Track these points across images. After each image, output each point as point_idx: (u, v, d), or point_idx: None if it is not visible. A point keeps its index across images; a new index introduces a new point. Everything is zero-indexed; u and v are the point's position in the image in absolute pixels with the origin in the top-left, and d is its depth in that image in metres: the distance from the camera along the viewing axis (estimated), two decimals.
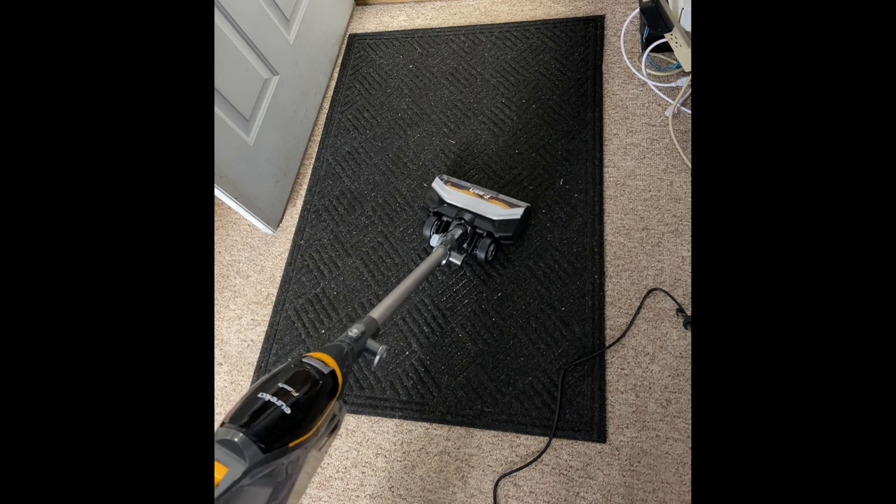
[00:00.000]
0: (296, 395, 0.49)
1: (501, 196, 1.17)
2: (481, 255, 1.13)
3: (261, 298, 1.28)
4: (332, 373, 0.54)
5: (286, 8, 1.33)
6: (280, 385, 0.50)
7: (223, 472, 0.43)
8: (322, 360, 0.55)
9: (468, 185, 1.20)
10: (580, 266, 1.13)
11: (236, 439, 0.44)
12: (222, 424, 0.46)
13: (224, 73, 1.12)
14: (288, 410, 0.48)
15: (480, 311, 1.14)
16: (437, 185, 1.21)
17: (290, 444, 0.47)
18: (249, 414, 0.47)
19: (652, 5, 1.06)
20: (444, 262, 1.07)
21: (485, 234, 1.14)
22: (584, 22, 1.41)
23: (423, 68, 1.47)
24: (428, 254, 1.20)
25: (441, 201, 1.18)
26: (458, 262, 1.11)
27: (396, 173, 1.34)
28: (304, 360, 0.55)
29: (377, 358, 0.68)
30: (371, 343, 0.69)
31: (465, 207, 1.15)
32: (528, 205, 1.17)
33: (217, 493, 0.42)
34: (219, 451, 0.44)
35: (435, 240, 1.15)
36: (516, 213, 1.13)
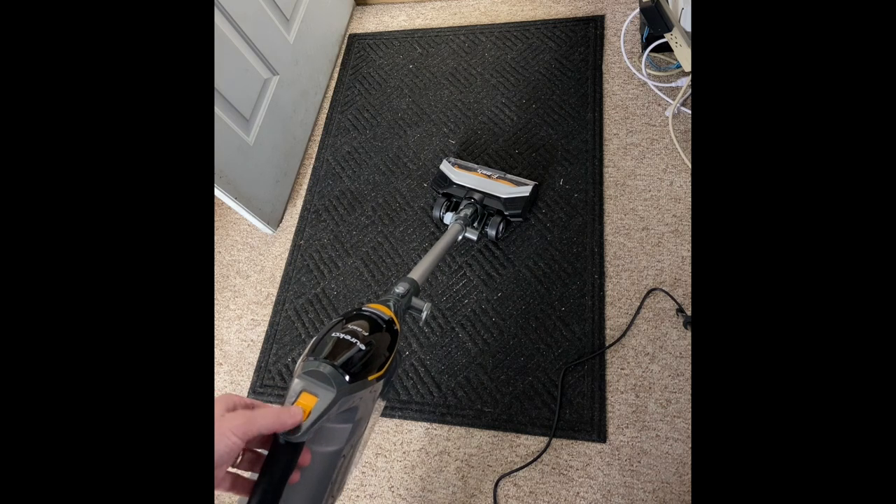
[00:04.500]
0: (366, 334, 0.51)
1: (509, 176, 1.19)
2: (492, 233, 1.14)
3: (261, 298, 1.28)
4: (391, 320, 0.57)
5: (286, 8, 1.33)
6: (350, 326, 0.52)
7: (313, 401, 0.44)
8: (380, 310, 0.57)
9: (475, 166, 1.22)
10: (580, 266, 1.13)
11: (322, 369, 0.46)
12: (303, 360, 0.48)
13: (224, 73, 1.12)
14: (363, 346, 0.50)
15: (480, 311, 1.14)
16: (445, 167, 1.23)
17: (369, 378, 0.49)
18: (329, 349, 0.48)
19: (652, 5, 1.06)
20: (460, 237, 1.09)
21: (494, 212, 1.16)
22: (584, 22, 1.41)
23: (423, 68, 1.47)
24: (442, 232, 1.22)
25: (450, 182, 1.20)
26: (475, 238, 1.14)
27: (396, 173, 1.34)
28: (363, 309, 0.57)
29: (424, 314, 0.72)
30: (416, 301, 0.72)
31: (473, 187, 1.17)
32: (536, 183, 1.18)
33: (310, 421, 0.42)
34: (306, 382, 0.45)
35: (449, 217, 1.18)
36: (524, 190, 1.15)
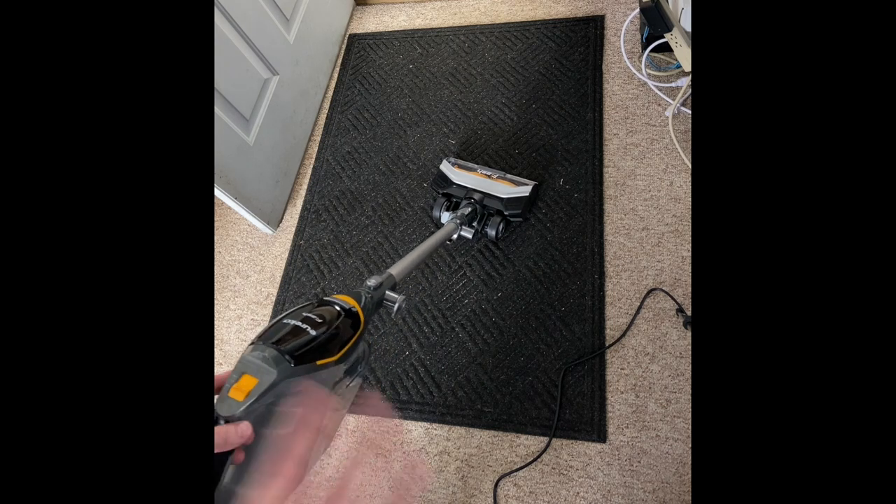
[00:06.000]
0: (320, 321, 0.50)
1: (509, 175, 1.19)
2: (491, 233, 1.14)
3: (261, 298, 1.28)
4: (352, 309, 0.56)
5: (286, 8, 1.33)
6: (305, 314, 0.51)
7: (253, 383, 0.43)
8: (344, 300, 0.56)
9: (475, 166, 1.22)
10: (580, 266, 1.13)
11: (266, 353, 0.45)
12: (251, 344, 0.47)
13: (224, 73, 1.12)
14: (313, 332, 0.49)
15: (480, 311, 1.14)
16: (445, 167, 1.23)
17: (318, 363, 0.48)
18: (278, 335, 0.48)
19: (652, 5, 1.06)
20: (455, 236, 1.08)
21: (494, 212, 1.15)
22: (584, 22, 1.41)
23: (423, 68, 1.47)
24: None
25: (450, 182, 1.19)
26: (469, 237, 1.13)
27: (396, 173, 1.34)
28: (326, 298, 0.56)
29: (396, 306, 0.70)
30: (389, 294, 0.71)
31: (473, 187, 1.17)
32: (536, 182, 1.18)
33: (247, 403, 0.42)
34: (248, 365, 0.44)
35: (446, 216, 1.17)
36: (524, 190, 1.15)
